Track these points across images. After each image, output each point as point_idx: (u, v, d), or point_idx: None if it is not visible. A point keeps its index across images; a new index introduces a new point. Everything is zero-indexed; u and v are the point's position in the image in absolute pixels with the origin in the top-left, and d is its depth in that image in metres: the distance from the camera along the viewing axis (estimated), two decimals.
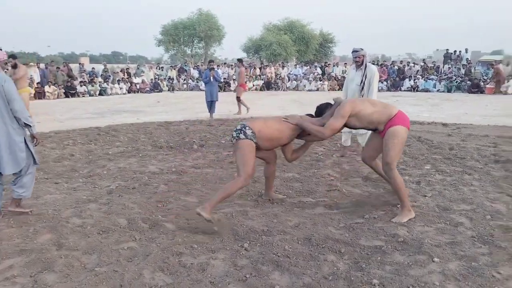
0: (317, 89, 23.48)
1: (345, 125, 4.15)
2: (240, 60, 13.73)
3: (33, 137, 4.24)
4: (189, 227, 3.83)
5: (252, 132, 3.96)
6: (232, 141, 4.08)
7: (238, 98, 12.80)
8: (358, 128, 4.33)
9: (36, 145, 4.28)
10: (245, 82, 15.94)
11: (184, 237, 3.58)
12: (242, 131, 3.97)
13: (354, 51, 6.27)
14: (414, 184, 5.13)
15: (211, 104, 11.95)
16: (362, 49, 6.27)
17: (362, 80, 6.15)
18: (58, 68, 21.47)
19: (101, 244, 3.47)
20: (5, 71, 4.50)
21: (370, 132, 5.92)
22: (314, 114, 4.39)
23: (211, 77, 11.88)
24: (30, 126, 4.12)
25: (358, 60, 6.22)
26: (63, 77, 20.84)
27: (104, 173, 5.86)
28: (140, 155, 6.96)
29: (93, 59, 75.41)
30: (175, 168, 6.00)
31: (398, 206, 4.29)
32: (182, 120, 11.31)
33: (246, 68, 27.35)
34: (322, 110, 4.31)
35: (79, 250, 3.36)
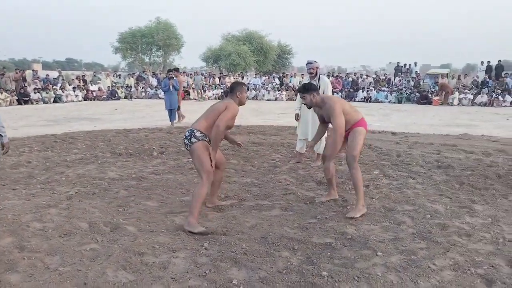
0: (276, 99, 23.96)
1: (323, 118, 4.73)
2: (176, 69, 13.71)
3: (3, 145, 4.52)
4: (150, 229, 3.98)
5: (201, 133, 4.13)
6: (187, 148, 4.22)
7: (178, 107, 12.84)
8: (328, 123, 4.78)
9: (4, 153, 4.53)
10: (184, 91, 15.91)
11: (145, 239, 3.71)
12: (192, 136, 4.12)
13: (309, 63, 6.64)
14: (363, 188, 5.47)
15: (171, 112, 12.12)
16: (315, 61, 6.65)
17: None
18: (1, 74, 20.68)
19: (63, 246, 3.55)
20: None
21: (323, 138, 6.31)
22: (228, 92, 4.49)
23: (170, 86, 12.06)
24: (2, 136, 4.42)
25: (312, 71, 6.59)
26: (13, 84, 20.26)
27: (63, 179, 5.87)
28: (99, 161, 6.99)
29: (46, 66, 73.15)
30: (135, 174, 6.10)
31: (347, 207, 4.62)
32: (141, 128, 11.35)
33: (205, 77, 27.57)
34: (233, 88, 4.38)
35: (42, 252, 3.44)
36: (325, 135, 6.85)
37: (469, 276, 3.09)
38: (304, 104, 4.81)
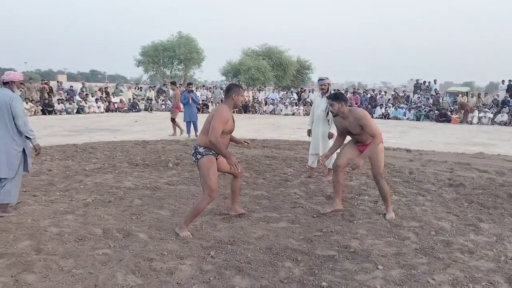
0: (293, 114, 24.12)
1: (347, 130, 4.92)
2: (173, 83, 13.77)
3: (34, 148, 4.98)
4: (160, 237, 4.14)
5: (204, 148, 4.23)
6: (195, 164, 4.38)
7: (173, 120, 12.93)
8: (353, 135, 4.97)
9: (36, 155, 5.04)
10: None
11: (155, 245, 3.88)
12: (197, 153, 4.25)
13: (320, 79, 6.82)
14: (372, 203, 5.57)
15: (190, 125, 12.43)
16: (327, 78, 6.83)
17: (327, 107, 6.63)
18: (22, 84, 21.42)
19: (78, 250, 3.74)
20: (20, 90, 5.25)
21: (335, 154, 6.48)
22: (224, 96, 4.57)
23: (190, 99, 12.36)
24: (31, 139, 4.87)
25: (324, 87, 6.75)
26: (38, 94, 20.93)
27: (81, 187, 6.11)
28: (117, 171, 7.23)
29: (71, 77, 75.01)
30: (150, 184, 6.30)
31: (354, 222, 4.72)
32: (159, 139, 11.62)
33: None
34: (229, 89, 4.43)
35: (57, 255, 3.63)
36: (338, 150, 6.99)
37: None
38: (331, 112, 4.92)
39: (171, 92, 27.70)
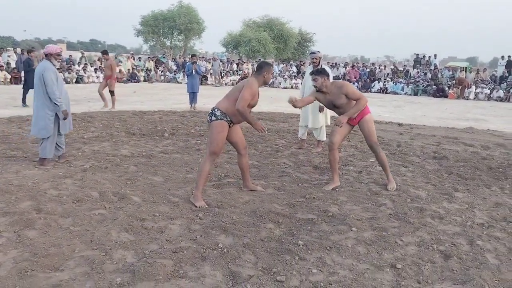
0: (291, 87, 24.23)
1: (332, 103, 5.08)
2: (105, 52, 12.78)
3: (63, 112, 5.65)
4: (153, 200, 4.43)
5: (221, 112, 4.39)
6: (208, 124, 4.55)
7: (111, 92, 12.16)
8: (339, 110, 5.10)
9: (65, 119, 5.69)
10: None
11: (148, 207, 4.17)
12: (213, 114, 4.42)
13: (312, 53, 7.03)
14: (355, 173, 5.85)
15: (193, 96, 12.61)
16: (319, 52, 7.05)
17: None
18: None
19: (75, 210, 4.04)
20: (58, 61, 5.81)
21: (323, 126, 6.75)
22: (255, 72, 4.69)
23: (193, 70, 12.53)
24: (58, 105, 5.54)
25: (315, 61, 6.94)
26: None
27: (79, 154, 6.39)
28: (114, 140, 7.49)
29: (71, 46, 74.38)
30: (145, 153, 6.58)
31: (336, 189, 5.01)
32: (157, 110, 11.84)
33: (224, 63, 27.95)
34: (261, 67, 4.59)
35: (56, 214, 3.92)
36: (328, 122, 7.26)
37: (430, 251, 3.46)
38: (314, 87, 5.11)
39: (170, 63, 27.85)
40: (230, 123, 4.49)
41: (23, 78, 12.78)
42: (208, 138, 4.56)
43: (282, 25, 41.35)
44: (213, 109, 4.50)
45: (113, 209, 4.15)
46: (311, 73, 5.29)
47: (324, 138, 7.33)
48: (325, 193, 4.90)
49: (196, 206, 4.29)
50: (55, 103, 5.53)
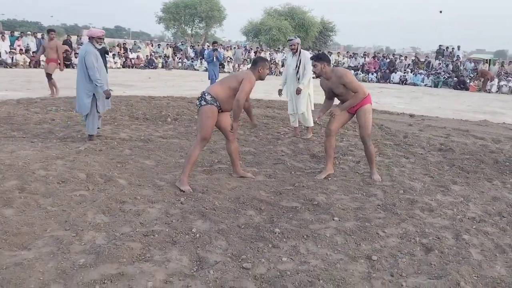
0: None
1: (332, 91, 4.93)
2: (51, 31, 11.40)
3: (105, 92, 6.06)
4: (139, 184, 4.40)
5: (211, 97, 4.34)
6: (197, 107, 4.50)
7: (48, 76, 10.82)
8: (338, 97, 4.97)
9: (107, 98, 6.18)
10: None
11: (131, 190, 4.14)
12: (202, 98, 4.36)
13: (289, 40, 7.08)
14: (353, 163, 5.71)
15: (212, 82, 12.58)
16: (296, 37, 7.14)
17: (297, 65, 6.88)
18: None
19: (58, 190, 4.03)
20: (99, 44, 6.22)
21: (308, 111, 6.70)
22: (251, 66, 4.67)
23: (214, 57, 12.47)
24: (98, 86, 5.92)
25: (294, 47, 6.93)
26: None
27: (78, 136, 6.42)
28: (116, 123, 7.50)
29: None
30: (143, 137, 6.56)
31: (329, 178, 4.89)
32: (166, 95, 11.84)
33: (217, 50, 27.77)
34: (256, 62, 4.58)
35: (38, 194, 3.92)
36: (312, 107, 7.15)
37: (411, 244, 3.33)
38: (314, 72, 4.99)
39: (188, 50, 27.85)
40: (219, 109, 4.44)
41: None
42: (198, 123, 4.50)
43: (303, 13, 40.79)
44: (203, 93, 4.44)
45: (96, 190, 4.13)
46: (311, 58, 5.16)
47: (312, 124, 7.19)
48: (315, 182, 4.78)
49: (181, 190, 4.25)
50: (96, 84, 5.91)
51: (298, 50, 6.92)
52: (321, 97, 5.72)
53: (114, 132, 6.83)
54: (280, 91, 7.36)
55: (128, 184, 4.36)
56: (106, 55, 13.04)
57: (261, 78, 4.61)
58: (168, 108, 9.52)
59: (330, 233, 3.45)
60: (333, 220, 3.70)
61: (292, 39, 7.04)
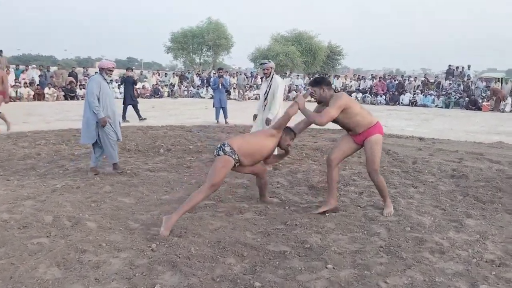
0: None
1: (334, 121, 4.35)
2: None
3: (100, 120, 5.80)
4: (109, 227, 3.91)
5: (231, 149, 4.12)
6: (214, 157, 4.21)
7: None
8: (340, 124, 4.42)
9: (103, 126, 5.82)
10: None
11: (97, 236, 3.65)
12: (221, 149, 4.13)
13: (263, 63, 6.62)
14: (355, 194, 5.17)
15: (221, 110, 12.25)
16: (270, 61, 6.64)
17: (266, 91, 6.40)
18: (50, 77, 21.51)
19: (15, 238, 3.56)
20: (109, 76, 6.03)
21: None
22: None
23: (220, 84, 12.22)
24: (96, 113, 5.75)
25: (267, 71, 6.46)
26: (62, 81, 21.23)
27: (60, 172, 5.99)
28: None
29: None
30: (130, 170, 6.11)
31: (327, 215, 4.35)
32: (165, 125, 11.46)
33: (247, 77, 27.57)
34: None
35: None
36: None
37: None
38: (314, 99, 4.49)
39: (194, 78, 27.71)
40: (237, 163, 4.19)
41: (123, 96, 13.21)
42: (210, 170, 4.10)
43: (310, 38, 40.70)
44: (223, 144, 4.21)
45: (58, 237, 3.64)
46: (309, 84, 4.66)
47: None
48: (311, 219, 4.24)
49: (161, 228, 3.73)
50: (93, 111, 5.76)
51: (271, 75, 6.45)
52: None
53: (99, 166, 6.38)
54: (255, 116, 6.81)
55: (97, 228, 3.87)
56: (134, 85, 13.16)
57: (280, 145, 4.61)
58: (164, 138, 9.10)
59: (322, 285, 2.90)
60: (326, 268, 3.15)
61: (265, 63, 6.55)
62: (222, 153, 4.11)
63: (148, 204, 4.66)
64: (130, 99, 12.74)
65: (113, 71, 6.14)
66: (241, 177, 5.94)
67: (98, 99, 5.78)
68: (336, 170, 4.52)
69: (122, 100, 12.89)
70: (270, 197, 4.99)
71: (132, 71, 14.73)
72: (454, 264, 3.27)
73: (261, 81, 7.17)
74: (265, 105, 6.43)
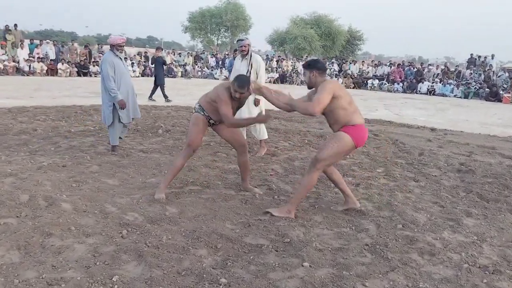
0: None
1: None
2: None
3: (118, 103, 5.63)
4: (84, 209, 3.74)
5: (199, 106, 4.26)
6: None
7: None
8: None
9: (122, 109, 5.67)
10: None
11: (68, 219, 3.48)
12: (194, 107, 4.34)
13: (240, 40, 6.20)
14: (352, 186, 4.89)
15: None
16: (247, 38, 6.23)
17: (248, 70, 5.99)
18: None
19: None
20: (120, 52, 5.79)
21: (263, 126, 6.06)
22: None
23: None
24: (112, 95, 5.58)
25: (244, 49, 6.03)
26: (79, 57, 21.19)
27: (52, 149, 5.85)
28: (100, 135, 6.93)
29: (128, 43, 76.23)
30: (122, 150, 5.94)
31: (322, 206, 4.11)
32: (171, 105, 11.28)
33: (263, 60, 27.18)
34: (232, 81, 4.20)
35: None
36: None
37: None
38: (304, 82, 4.18)
39: (209, 59, 27.44)
40: (209, 119, 4.29)
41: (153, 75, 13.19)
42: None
43: (330, 22, 39.87)
44: (196, 103, 4.37)
45: (28, 218, 3.48)
46: (303, 66, 4.36)
47: (266, 136, 6.32)
48: (298, 210, 3.99)
49: (155, 197, 4.09)
50: (110, 94, 5.58)
51: (249, 53, 6.08)
52: None
53: (92, 144, 6.24)
54: None
55: (71, 210, 3.70)
56: (164, 65, 13.01)
57: (231, 95, 4.15)
58: (167, 118, 8.92)
59: (294, 285, 2.68)
60: (302, 266, 2.92)
61: (243, 40, 6.17)
62: (193, 111, 4.32)
63: (131, 187, 4.47)
64: (160, 79, 12.64)
65: (123, 46, 5.87)
66: (235, 161, 5.71)
67: (114, 80, 5.59)
68: (330, 171, 4.04)
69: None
70: (260, 185, 4.77)
71: (162, 50, 14.55)
72: (443, 269, 3.01)
73: (235, 59, 6.69)
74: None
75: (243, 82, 4.06)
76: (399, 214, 4.01)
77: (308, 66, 3.99)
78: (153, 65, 13.42)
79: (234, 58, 12.09)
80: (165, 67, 13.75)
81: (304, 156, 6.28)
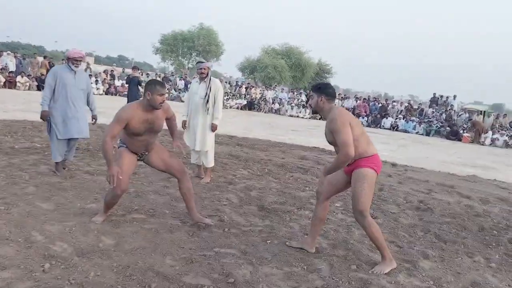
0: (297, 116, 23.14)
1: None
2: None
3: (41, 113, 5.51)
4: (6, 237, 3.33)
5: (120, 141, 4.02)
6: None
7: None
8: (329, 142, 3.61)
9: (93, 124, 6.00)
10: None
11: None
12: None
13: (199, 62, 5.91)
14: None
15: None
16: (207, 61, 6.08)
17: (206, 93, 5.79)
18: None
19: None
20: (75, 66, 5.55)
21: (212, 150, 5.84)
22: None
23: None
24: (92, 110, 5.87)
25: (203, 72, 5.81)
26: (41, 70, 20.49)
27: None
28: (46, 153, 6.46)
29: (98, 60, 75.26)
30: (67, 171, 5.52)
31: (268, 241, 3.83)
32: None
33: (231, 86, 27.12)
34: (144, 87, 3.84)
35: None
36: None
37: None
38: (309, 105, 3.90)
39: (177, 81, 27.17)
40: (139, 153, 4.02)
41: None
42: None
43: (300, 54, 40.56)
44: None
45: None
46: (311, 89, 4.00)
47: (212, 164, 6.09)
48: (248, 245, 3.71)
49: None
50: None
51: (209, 76, 5.89)
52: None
53: (34, 164, 5.78)
54: (184, 123, 6.11)
55: None
56: (139, 86, 12.42)
57: (151, 105, 3.78)
58: None
59: None
60: None
61: (202, 62, 5.92)
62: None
63: (67, 212, 4.07)
64: (132, 100, 12.12)
65: (80, 61, 5.61)
66: (194, 189, 5.38)
67: (54, 91, 5.38)
68: (322, 206, 3.78)
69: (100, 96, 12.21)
70: (211, 215, 4.46)
71: (138, 70, 14.00)
72: None
73: (193, 81, 6.45)
74: (207, 109, 5.87)
75: (161, 83, 3.88)
76: (354, 253, 3.78)
77: (318, 89, 3.62)
78: (128, 85, 12.89)
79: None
80: (140, 87, 13.22)
81: (262, 186, 6.01)
